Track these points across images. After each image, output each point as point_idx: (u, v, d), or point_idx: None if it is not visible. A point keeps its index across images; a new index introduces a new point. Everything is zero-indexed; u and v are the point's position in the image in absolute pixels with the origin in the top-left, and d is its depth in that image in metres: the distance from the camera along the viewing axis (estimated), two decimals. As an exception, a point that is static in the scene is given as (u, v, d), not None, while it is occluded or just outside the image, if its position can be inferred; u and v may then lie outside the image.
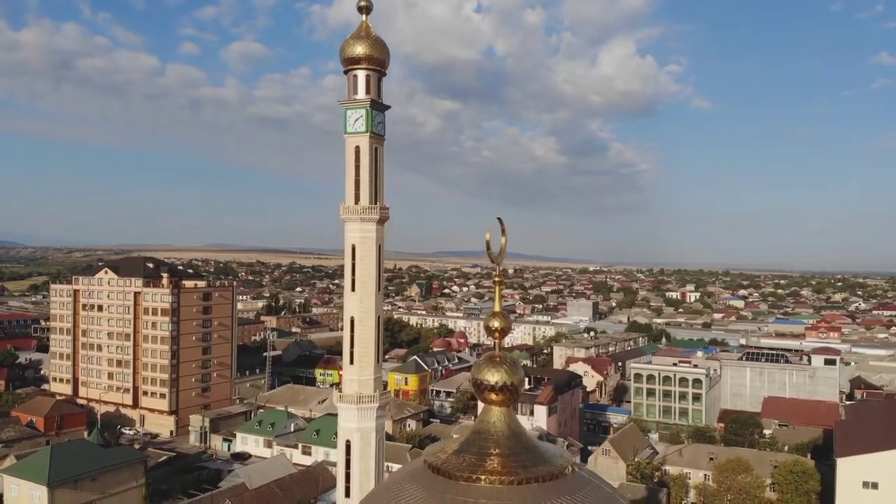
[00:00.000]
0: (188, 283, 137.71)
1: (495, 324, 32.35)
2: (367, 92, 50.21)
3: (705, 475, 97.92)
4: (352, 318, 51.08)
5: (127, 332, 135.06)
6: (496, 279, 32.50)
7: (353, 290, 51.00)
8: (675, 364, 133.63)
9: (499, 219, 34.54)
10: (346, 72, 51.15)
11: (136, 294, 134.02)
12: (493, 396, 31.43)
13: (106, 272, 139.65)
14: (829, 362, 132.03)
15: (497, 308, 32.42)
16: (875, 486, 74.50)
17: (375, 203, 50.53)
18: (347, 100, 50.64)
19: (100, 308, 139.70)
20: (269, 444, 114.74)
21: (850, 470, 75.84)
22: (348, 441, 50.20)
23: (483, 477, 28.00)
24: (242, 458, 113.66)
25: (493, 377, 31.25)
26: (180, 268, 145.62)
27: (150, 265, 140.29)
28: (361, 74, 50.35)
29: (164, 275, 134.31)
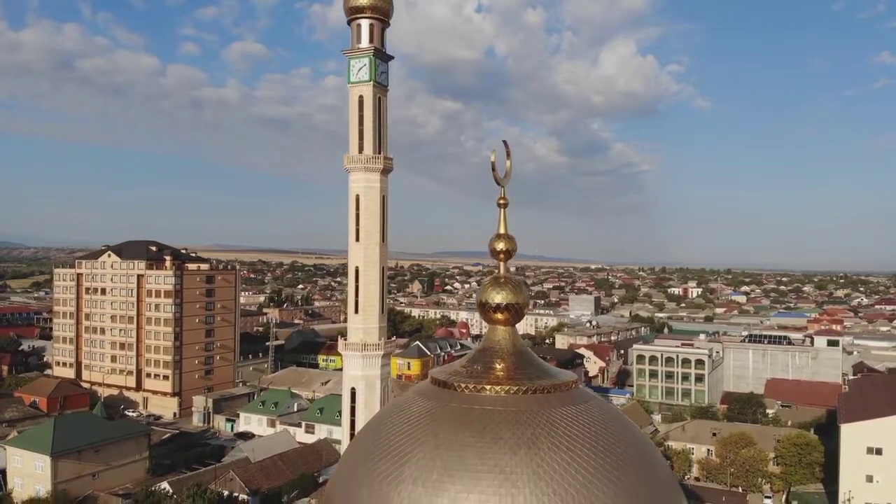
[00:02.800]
0: (191, 266, 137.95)
1: (500, 245, 32.33)
2: (371, 41, 50.42)
3: (708, 450, 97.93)
4: (356, 267, 51.31)
5: (130, 315, 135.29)
6: (501, 201, 32.73)
7: (357, 240, 51.23)
8: (677, 346, 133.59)
9: (504, 142, 34.85)
10: (349, 22, 51.35)
11: (140, 277, 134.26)
12: (499, 316, 31.44)
13: (109, 255, 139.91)
14: (831, 343, 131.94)
15: (502, 230, 32.62)
16: (879, 451, 74.40)
17: (379, 153, 50.75)
18: (351, 49, 50.84)
19: (103, 291, 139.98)
20: (272, 424, 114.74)
21: (854, 436, 75.71)
22: (353, 389, 50.38)
23: (488, 387, 28.00)
24: (245, 437, 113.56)
25: (498, 297, 31.23)
26: (183, 252, 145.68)
27: (153, 248, 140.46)
28: (365, 24, 50.57)
29: (167, 257, 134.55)
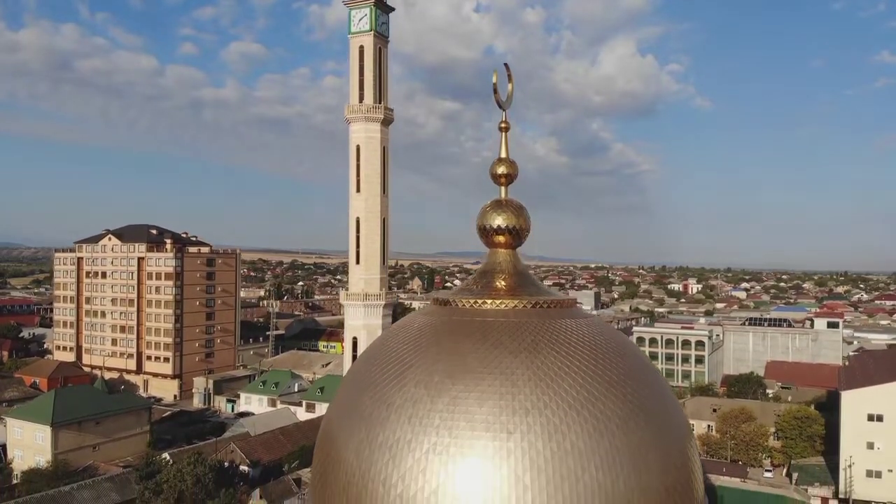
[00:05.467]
0: (192, 249, 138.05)
1: (501, 169, 32.31)
2: (372, -9, 50.53)
3: (708, 425, 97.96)
4: (357, 218, 51.41)
5: (130, 298, 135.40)
6: (502, 125, 32.84)
7: (357, 190, 51.32)
8: (678, 328, 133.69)
9: (505, 65, 35.04)
10: (350, -28, 51.48)
11: (140, 259, 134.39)
12: (500, 239, 31.46)
13: (109, 239, 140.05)
14: (831, 325, 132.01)
15: (503, 154, 32.68)
16: (880, 418, 74.46)
17: (380, 103, 50.85)
18: (352, -1, 50.95)
19: (103, 275, 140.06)
20: (273, 404, 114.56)
21: (854, 403, 75.84)
22: (355, 338, 50.48)
23: (489, 301, 28.14)
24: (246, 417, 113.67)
25: (499, 219, 31.22)
26: (183, 236, 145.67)
27: (154, 231, 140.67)
28: (366, -26, 50.68)
29: (168, 240, 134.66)
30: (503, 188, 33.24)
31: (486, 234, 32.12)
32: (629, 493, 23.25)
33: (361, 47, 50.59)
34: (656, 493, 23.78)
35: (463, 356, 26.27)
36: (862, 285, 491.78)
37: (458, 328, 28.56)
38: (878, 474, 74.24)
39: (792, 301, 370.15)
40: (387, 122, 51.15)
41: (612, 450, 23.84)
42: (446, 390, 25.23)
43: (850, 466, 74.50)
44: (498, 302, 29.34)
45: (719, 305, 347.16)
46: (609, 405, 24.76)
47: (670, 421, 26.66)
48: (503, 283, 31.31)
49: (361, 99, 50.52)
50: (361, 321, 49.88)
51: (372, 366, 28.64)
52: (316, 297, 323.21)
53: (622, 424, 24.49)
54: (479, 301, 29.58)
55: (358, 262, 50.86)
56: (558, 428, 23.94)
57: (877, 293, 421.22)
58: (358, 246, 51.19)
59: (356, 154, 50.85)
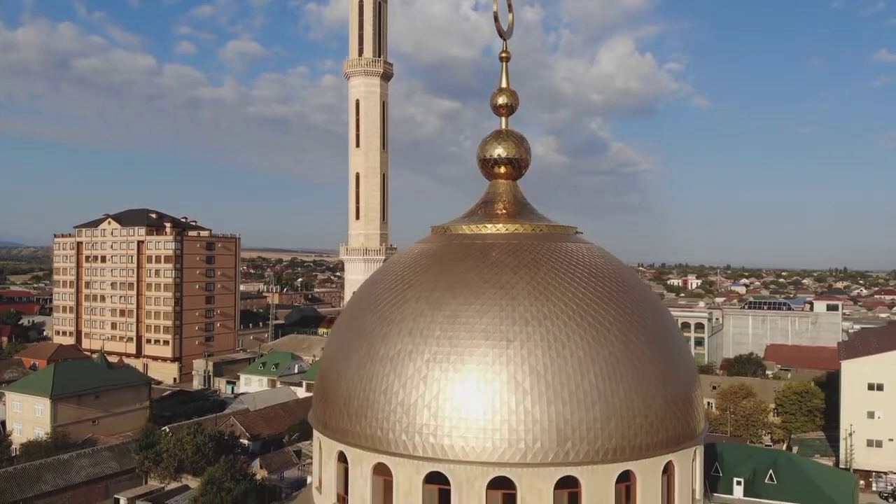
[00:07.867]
0: (191, 233, 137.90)
1: (501, 99, 32.25)
2: (372, -56, 50.59)
3: (708, 402, 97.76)
4: (357, 173, 51.40)
5: (130, 282, 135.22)
6: (503, 55, 32.77)
7: (357, 146, 51.31)
8: (677, 311, 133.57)
9: (506, -5, 34.96)
10: (350, -73, 51.51)
11: (140, 243, 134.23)
12: (500, 170, 31.42)
13: (109, 223, 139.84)
14: (831, 308, 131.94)
15: (504, 84, 32.59)
16: (880, 387, 74.43)
17: (380, 57, 50.84)
18: (352, -47, 50.96)
19: (103, 259, 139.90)
20: (272, 385, 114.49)
21: (854, 373, 75.84)
22: (354, 293, 50.45)
23: (489, 226, 28.23)
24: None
25: (499, 149, 31.24)
26: (183, 220, 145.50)
27: (153, 215, 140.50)
28: (366, -72, 50.74)
29: (167, 224, 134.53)
30: (503, 119, 33.19)
31: (487, 165, 32.13)
32: (629, 401, 23.29)
33: (361, 2, 50.60)
34: (657, 403, 23.77)
35: (463, 273, 26.34)
36: (861, 281, 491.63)
37: (459, 250, 28.60)
38: (879, 443, 74.22)
39: (791, 296, 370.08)
40: (386, 76, 51.20)
41: (612, 359, 23.90)
42: (447, 304, 25.31)
43: (850, 436, 74.46)
44: (499, 226, 29.49)
45: (719, 300, 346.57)
46: (609, 318, 24.77)
47: (670, 338, 26.66)
48: (503, 210, 31.38)
49: (361, 53, 50.49)
50: (361, 276, 49.79)
51: (373, 289, 28.66)
52: (316, 290, 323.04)
53: (622, 336, 24.52)
54: (479, 226, 29.71)
55: (358, 217, 50.85)
56: (557, 337, 23.99)
57: (876, 288, 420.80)
58: (357, 201, 51.17)
59: (355, 108, 50.92)
